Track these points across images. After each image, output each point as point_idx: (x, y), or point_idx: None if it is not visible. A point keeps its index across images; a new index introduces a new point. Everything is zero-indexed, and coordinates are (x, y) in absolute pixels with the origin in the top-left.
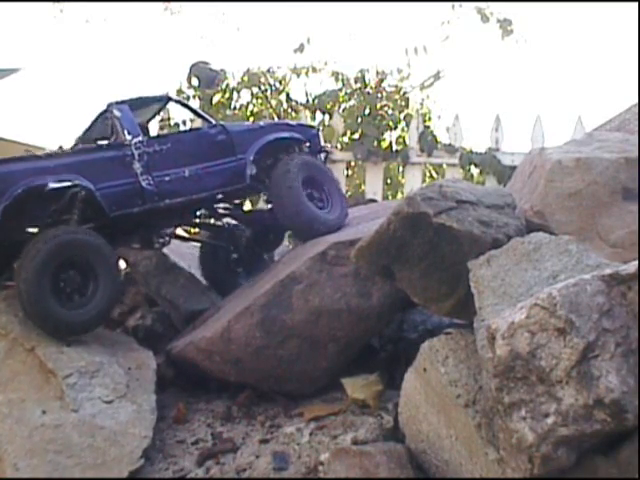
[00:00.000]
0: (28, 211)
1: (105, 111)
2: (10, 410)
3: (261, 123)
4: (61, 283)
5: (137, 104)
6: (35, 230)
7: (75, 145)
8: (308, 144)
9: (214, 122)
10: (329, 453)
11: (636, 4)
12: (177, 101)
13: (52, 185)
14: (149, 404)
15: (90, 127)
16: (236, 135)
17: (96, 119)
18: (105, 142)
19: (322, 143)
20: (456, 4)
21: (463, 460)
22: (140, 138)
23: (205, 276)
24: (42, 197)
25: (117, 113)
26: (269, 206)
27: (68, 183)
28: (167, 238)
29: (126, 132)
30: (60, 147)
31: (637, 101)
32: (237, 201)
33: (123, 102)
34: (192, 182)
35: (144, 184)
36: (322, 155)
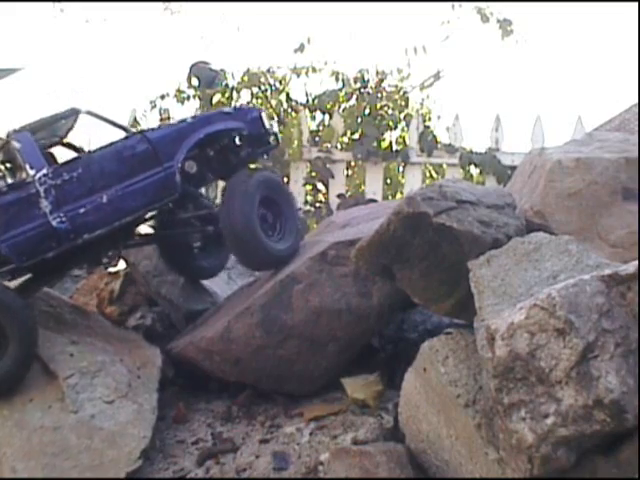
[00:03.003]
0: None
1: (5, 143)
2: (11, 413)
3: (188, 119)
4: None
5: (40, 127)
6: None
7: None
8: (247, 130)
9: (132, 131)
10: (329, 453)
11: (636, 4)
12: (87, 112)
13: None
14: (150, 403)
15: None
16: (158, 141)
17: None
18: (4, 184)
19: (267, 125)
20: (456, 4)
21: (463, 460)
22: (44, 171)
23: (165, 260)
24: None
25: (16, 145)
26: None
27: None
28: (115, 257)
29: (28, 166)
30: None
31: (637, 101)
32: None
33: (22, 129)
34: (112, 208)
35: (55, 223)
36: (271, 138)
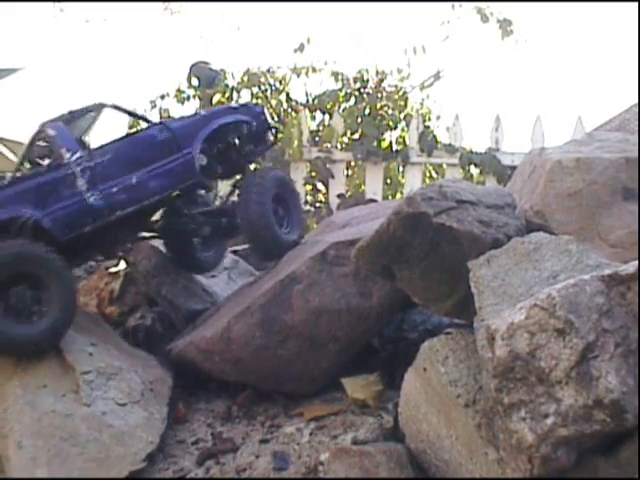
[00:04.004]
0: None
1: (37, 134)
2: (24, 392)
3: (203, 112)
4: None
5: (70, 118)
6: None
7: (16, 172)
8: (254, 124)
9: (154, 122)
10: (329, 453)
11: (636, 4)
12: (112, 106)
13: None
14: (160, 414)
15: (26, 153)
16: (178, 130)
17: (31, 142)
18: (44, 165)
19: (269, 120)
20: (456, 4)
21: (463, 460)
22: (79, 154)
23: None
24: None
25: (51, 132)
26: (230, 201)
27: (13, 215)
28: (129, 245)
29: (64, 150)
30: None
31: (637, 101)
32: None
33: (55, 120)
34: (141, 188)
35: (91, 200)
36: (271, 132)
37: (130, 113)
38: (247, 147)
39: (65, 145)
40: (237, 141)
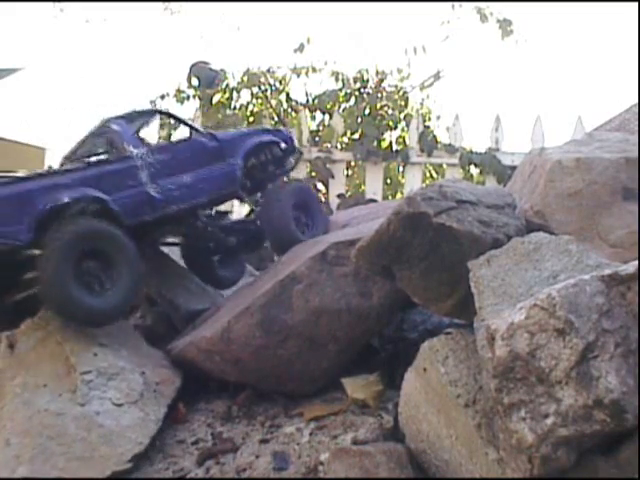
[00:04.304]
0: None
1: (99, 128)
2: (23, 391)
3: (244, 129)
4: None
5: (129, 118)
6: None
7: (64, 163)
8: (283, 147)
9: (204, 131)
10: (329, 453)
11: (636, 4)
12: (166, 113)
13: (69, 199)
14: (156, 415)
15: (81, 145)
16: (224, 141)
17: (87, 137)
18: (108, 156)
19: (296, 145)
20: (456, 4)
21: (463, 460)
22: (142, 149)
23: (188, 265)
24: (63, 210)
25: (116, 127)
26: (253, 215)
27: (86, 195)
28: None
29: (128, 145)
30: (50, 167)
31: (637, 101)
32: (220, 209)
33: (118, 117)
34: (193, 188)
35: (152, 192)
36: (293, 157)
37: (180, 120)
38: (271, 167)
39: (129, 140)
40: (266, 160)
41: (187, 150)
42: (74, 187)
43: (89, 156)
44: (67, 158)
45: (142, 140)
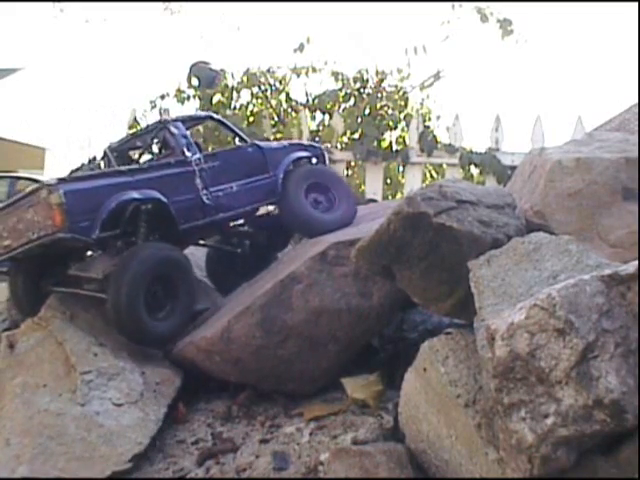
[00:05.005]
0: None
1: (155, 127)
2: (23, 391)
3: (285, 143)
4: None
5: (184, 121)
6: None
7: (105, 153)
8: (315, 161)
9: (250, 141)
10: (329, 453)
11: (636, 4)
12: (217, 120)
13: (134, 199)
14: (156, 415)
15: (129, 139)
16: (268, 154)
17: (138, 132)
18: (168, 159)
19: (326, 160)
20: (456, 4)
21: (463, 460)
22: (198, 155)
23: (210, 277)
24: (125, 210)
25: (174, 130)
26: (276, 211)
27: (149, 196)
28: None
29: (186, 149)
30: (94, 157)
31: (637, 101)
32: None
33: (177, 120)
34: (239, 197)
35: (204, 199)
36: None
37: (229, 128)
38: None
39: (186, 144)
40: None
41: (235, 158)
42: (138, 188)
43: (135, 151)
44: (112, 150)
45: (198, 145)
